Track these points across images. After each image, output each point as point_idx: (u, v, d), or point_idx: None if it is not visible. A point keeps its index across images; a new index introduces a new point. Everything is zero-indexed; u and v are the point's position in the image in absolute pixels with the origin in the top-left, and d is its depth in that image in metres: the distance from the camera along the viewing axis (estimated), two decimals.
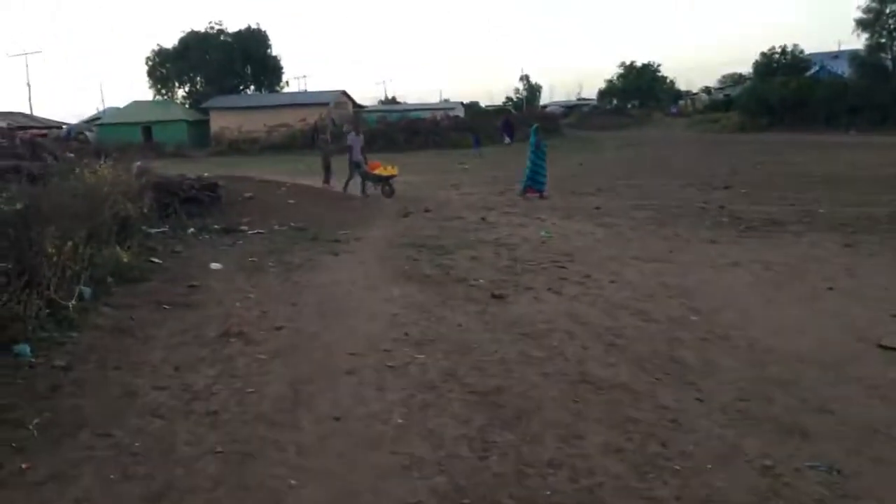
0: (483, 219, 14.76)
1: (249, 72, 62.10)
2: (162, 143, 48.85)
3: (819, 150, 30.85)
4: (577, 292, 8.36)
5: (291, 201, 15.71)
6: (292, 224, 13.88)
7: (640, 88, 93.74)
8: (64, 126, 55.92)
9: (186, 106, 59.75)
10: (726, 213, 14.37)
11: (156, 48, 61.12)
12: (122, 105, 59.32)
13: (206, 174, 17.27)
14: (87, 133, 53.69)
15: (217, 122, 53.87)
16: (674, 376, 5.59)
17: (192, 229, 13.14)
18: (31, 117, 57.16)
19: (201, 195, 14.60)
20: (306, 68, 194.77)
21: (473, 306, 7.82)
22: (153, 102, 58.42)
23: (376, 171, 19.28)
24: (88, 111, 58.89)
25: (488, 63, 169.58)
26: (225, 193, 15.33)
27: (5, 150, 16.42)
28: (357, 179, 19.26)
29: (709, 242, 11.50)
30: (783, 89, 49.21)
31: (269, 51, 62.30)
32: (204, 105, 56.59)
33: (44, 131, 51.89)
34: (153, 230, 12.83)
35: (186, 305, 7.91)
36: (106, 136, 51.42)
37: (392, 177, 19.17)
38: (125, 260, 9.15)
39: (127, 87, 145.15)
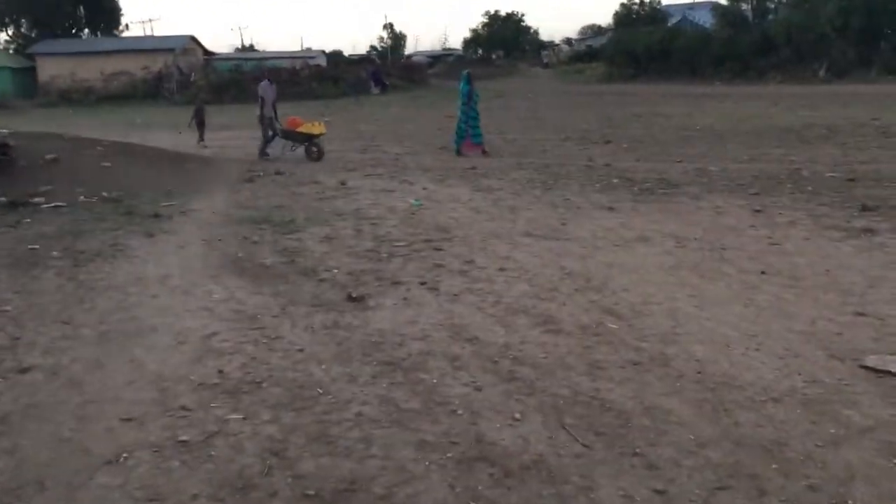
0: (342, 183, 12.60)
1: (82, 14, 55.87)
2: None
3: (689, 101, 30.28)
4: (460, 288, 6.45)
5: (107, 164, 12.92)
6: (104, 194, 11.22)
7: (505, 38, 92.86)
8: None
9: (10, 52, 53.14)
10: (615, 173, 12.86)
11: None
12: None
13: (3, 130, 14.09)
14: None
15: (46, 70, 48.23)
16: (609, 439, 3.78)
17: None
18: None
19: None
20: (153, 11, 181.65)
21: (322, 315, 5.76)
22: None
23: (299, 129, 16.24)
24: None
25: (352, 12, 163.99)
26: (21, 155, 12.38)
27: None
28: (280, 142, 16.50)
29: (605, 209, 9.88)
30: (648, 39, 49.01)
31: None
32: (30, 50, 50.47)
33: None
34: None
35: None
36: None
37: (319, 135, 16.22)
38: None
39: None
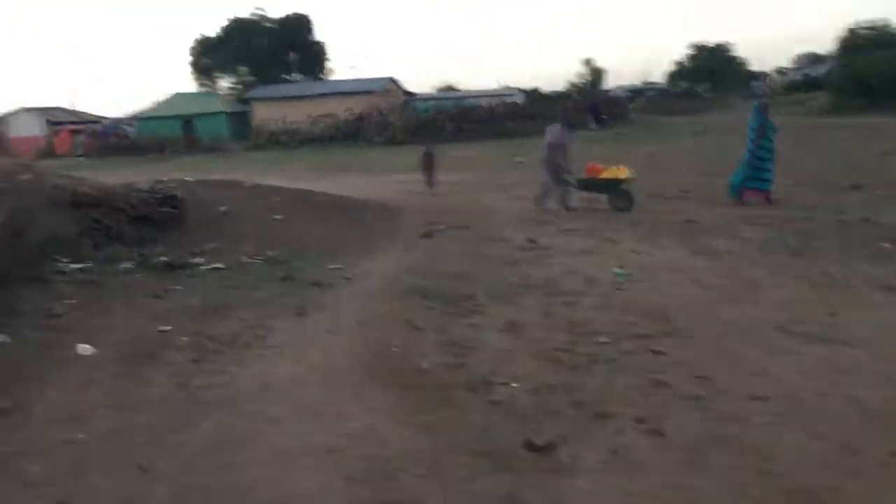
0: (532, 241, 10.72)
1: (294, 60, 58.76)
2: (200, 136, 46.07)
3: None
4: (697, 434, 4.30)
5: (279, 217, 11.92)
6: (269, 253, 10.09)
7: (713, 70, 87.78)
8: (103, 121, 53.74)
9: (232, 97, 56.82)
10: (881, 233, 10.01)
11: (199, 37, 58.21)
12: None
13: (164, 179, 13.62)
14: (127, 128, 51.47)
15: (259, 114, 50.79)
16: None
17: (127, 263, 9.51)
18: (70, 112, 55.16)
19: (154, 212, 10.95)
20: (359, 57, 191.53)
21: (489, 479, 3.87)
22: (195, 94, 55.66)
23: (602, 176, 13.63)
24: (141, 105, 56.28)
25: (549, 48, 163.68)
26: (193, 207, 11.66)
27: None
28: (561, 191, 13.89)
29: (886, 290, 7.27)
30: (885, 65, 43.28)
31: (311, 36, 58.80)
32: (246, 96, 53.61)
33: (80, 127, 49.85)
34: (71, 265, 9.27)
35: None
36: (146, 130, 49.04)
37: (626, 180, 13.57)
38: None
39: (174, 79, 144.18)
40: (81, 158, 44.16)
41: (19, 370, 5.51)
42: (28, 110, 52.26)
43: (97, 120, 54.77)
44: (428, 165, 18.14)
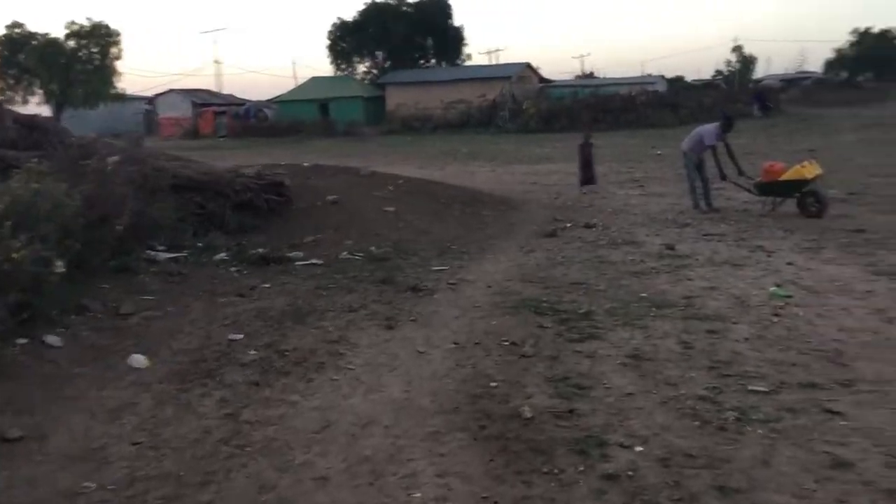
0: (669, 247, 9.32)
1: (431, 44, 58.27)
2: (336, 120, 46.42)
3: None
4: None
5: (390, 209, 11.05)
6: (373, 249, 9.24)
7: (878, 59, 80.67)
8: (245, 104, 55.34)
9: (367, 82, 57.08)
10: None
11: (336, 21, 58.68)
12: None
13: (280, 164, 13.05)
14: (266, 111, 52.75)
15: (393, 99, 50.69)
16: None
17: (223, 253, 8.91)
18: (213, 94, 57.18)
19: (259, 199, 10.33)
20: (499, 41, 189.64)
21: None
22: (332, 78, 56.21)
23: (785, 178, 11.42)
24: (284, 88, 57.68)
25: (696, 34, 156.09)
26: (302, 195, 10.99)
27: None
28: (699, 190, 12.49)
29: None
30: None
31: (450, 21, 58.04)
32: (380, 80, 53.63)
33: (223, 109, 51.46)
34: (165, 253, 8.75)
35: None
36: (285, 113, 50.00)
37: (815, 179, 11.40)
38: None
39: (314, 62, 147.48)
40: (223, 139, 45.55)
41: (53, 386, 4.81)
42: (176, 91, 54.59)
43: (241, 102, 56.48)
44: (585, 158, 15.50)
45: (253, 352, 5.55)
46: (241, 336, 5.91)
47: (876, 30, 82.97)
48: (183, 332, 6.04)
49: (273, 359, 5.41)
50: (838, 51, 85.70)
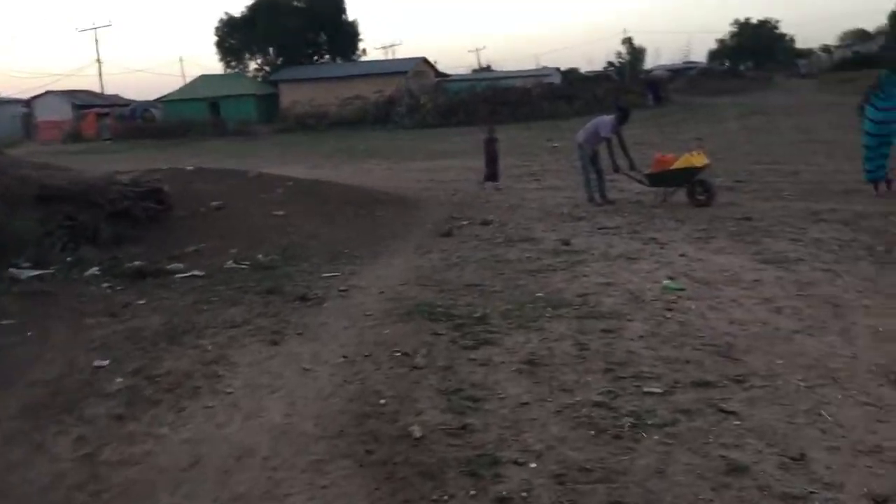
0: (566, 243, 9.25)
1: (324, 40, 57.26)
2: (227, 119, 44.99)
3: None
4: None
5: (280, 213, 10.59)
6: (259, 257, 8.79)
7: (756, 48, 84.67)
8: (130, 104, 53.02)
9: (259, 79, 55.60)
10: None
11: (224, 17, 56.87)
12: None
13: (160, 168, 12.40)
14: (153, 111, 50.69)
15: (287, 96, 49.58)
16: None
17: (95, 269, 8.27)
18: (96, 95, 54.56)
19: (136, 208, 9.69)
20: (393, 36, 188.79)
21: None
22: (221, 76, 54.49)
23: (675, 167, 11.56)
24: (171, 87, 55.39)
25: (589, 26, 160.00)
26: (183, 201, 10.39)
27: None
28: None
29: None
30: None
31: (343, 16, 57.20)
32: (273, 77, 52.35)
33: (107, 110, 49.15)
34: (31, 272, 8.05)
35: None
36: (172, 113, 48.14)
37: (703, 168, 11.60)
38: None
39: (203, 60, 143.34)
40: (108, 142, 43.42)
41: None
42: (54, 93, 51.70)
43: (126, 103, 54.05)
44: (490, 154, 15.07)
45: (119, 379, 5.07)
46: (108, 362, 5.40)
47: (755, 20, 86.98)
48: (43, 359, 5.49)
49: (142, 386, 4.95)
50: (721, 41, 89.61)
